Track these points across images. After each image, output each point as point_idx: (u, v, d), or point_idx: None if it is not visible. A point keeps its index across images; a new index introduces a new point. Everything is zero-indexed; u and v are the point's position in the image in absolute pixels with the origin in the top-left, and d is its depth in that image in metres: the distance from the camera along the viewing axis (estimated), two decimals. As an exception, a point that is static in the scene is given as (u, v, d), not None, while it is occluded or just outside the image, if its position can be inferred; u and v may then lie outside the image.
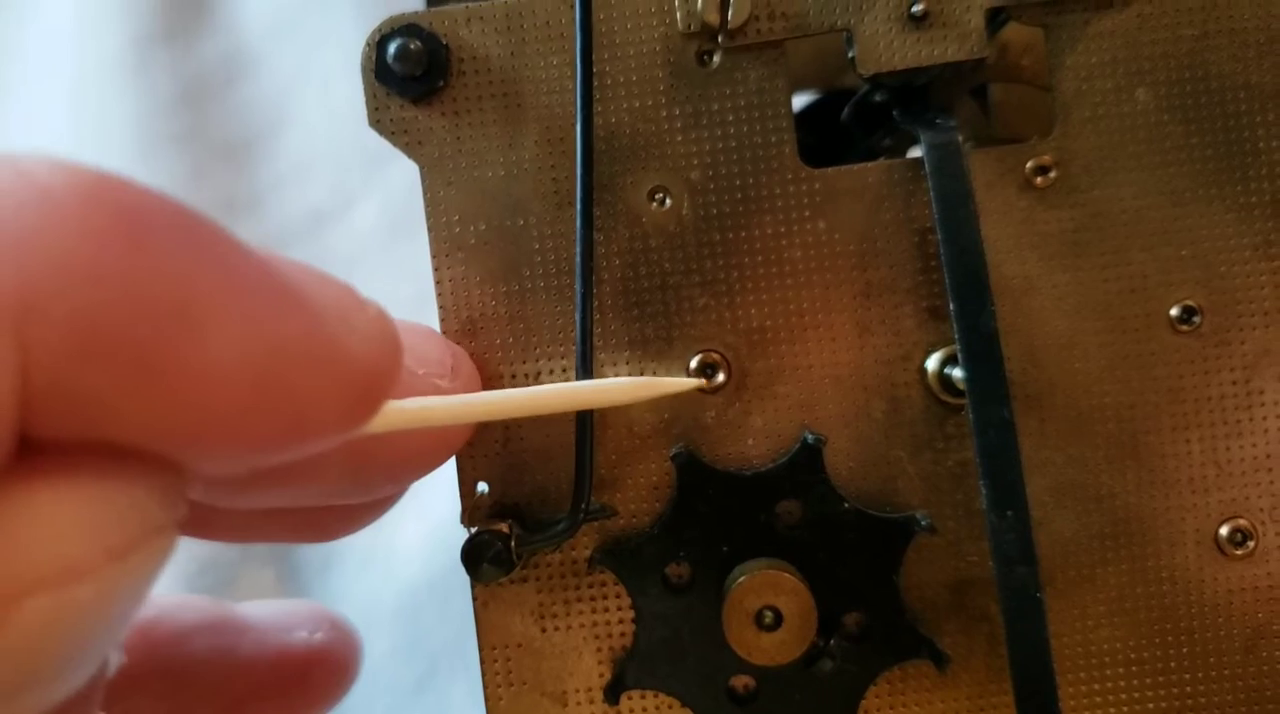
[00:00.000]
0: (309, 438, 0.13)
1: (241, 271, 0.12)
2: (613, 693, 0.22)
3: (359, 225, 0.45)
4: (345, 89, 0.46)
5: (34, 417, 0.11)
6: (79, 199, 0.11)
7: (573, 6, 0.21)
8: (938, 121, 0.21)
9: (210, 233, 0.12)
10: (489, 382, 0.22)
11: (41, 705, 0.12)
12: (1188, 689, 0.22)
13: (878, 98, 0.25)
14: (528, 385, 0.22)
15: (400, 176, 0.44)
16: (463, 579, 0.38)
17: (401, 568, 0.39)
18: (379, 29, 0.21)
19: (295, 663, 0.22)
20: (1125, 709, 0.22)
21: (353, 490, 0.18)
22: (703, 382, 0.21)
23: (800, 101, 0.29)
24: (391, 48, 0.21)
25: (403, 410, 0.16)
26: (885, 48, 0.21)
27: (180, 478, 0.12)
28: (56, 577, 0.11)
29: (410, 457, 0.18)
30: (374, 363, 0.13)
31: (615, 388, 0.20)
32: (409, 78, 0.21)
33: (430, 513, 0.38)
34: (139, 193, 0.11)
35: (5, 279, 0.10)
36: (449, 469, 0.22)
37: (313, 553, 0.40)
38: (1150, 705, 0.22)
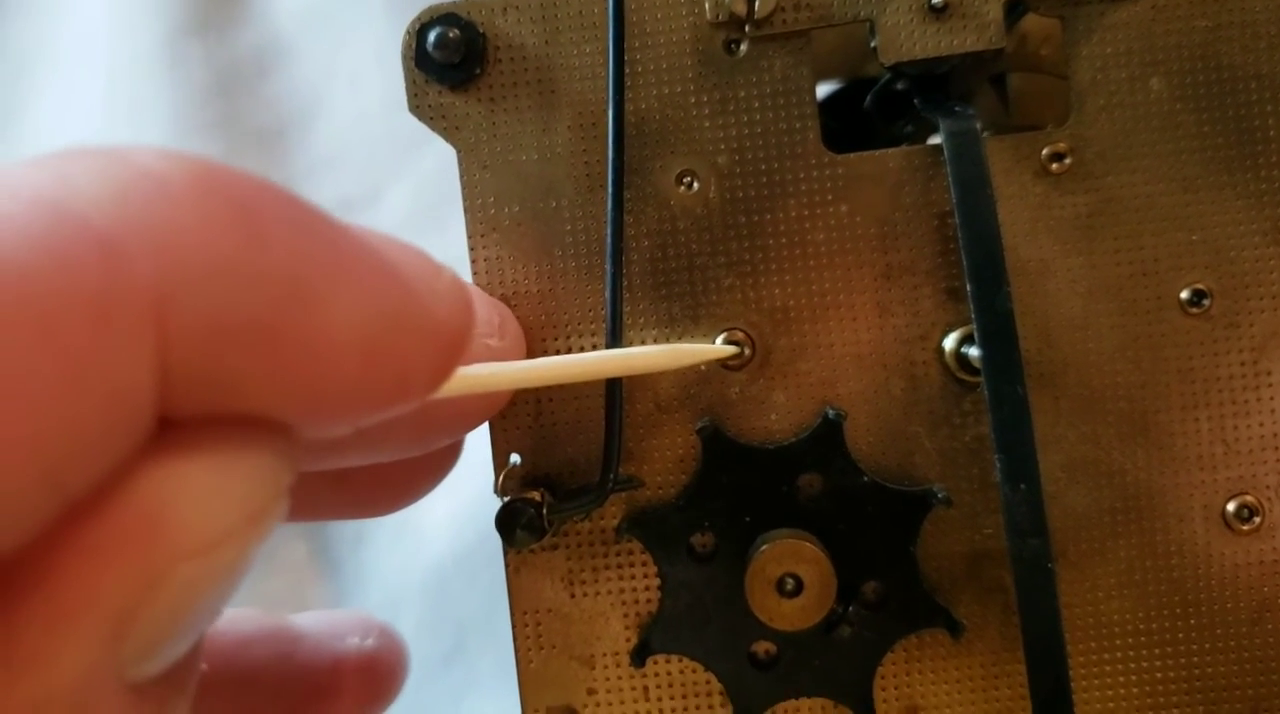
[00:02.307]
0: (408, 398, 0.14)
1: (345, 248, 0.13)
2: (639, 656, 0.23)
3: (389, 213, 0.45)
4: (376, 80, 0.47)
5: (172, 398, 0.11)
6: (195, 190, 0.11)
7: (605, -3, 0.22)
8: (957, 109, 0.22)
9: (313, 214, 0.12)
10: (526, 357, 0.22)
11: (175, 658, 0.13)
12: (1195, 660, 0.22)
13: (899, 86, 0.26)
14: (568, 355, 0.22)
15: (429, 165, 0.45)
16: (490, 555, 0.39)
17: (430, 543, 0.39)
18: (419, 18, 0.22)
19: (349, 668, 0.23)
20: (1134, 679, 0.22)
21: (415, 447, 0.19)
22: (735, 349, 0.22)
23: (825, 89, 0.30)
24: (431, 36, 0.22)
25: (468, 377, 0.17)
26: (906, 38, 0.22)
27: (295, 443, 0.13)
28: (207, 544, 0.12)
29: (464, 413, 0.20)
30: (455, 324, 0.14)
31: (654, 354, 0.20)
32: (447, 65, 0.22)
33: (459, 491, 0.39)
34: (246, 180, 0.12)
35: (144, 274, 0.11)
36: (477, 449, 0.23)
37: (345, 529, 0.41)
38: (1158, 675, 0.22)
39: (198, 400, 0.12)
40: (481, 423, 0.20)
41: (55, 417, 0.10)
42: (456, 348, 0.14)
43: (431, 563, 0.39)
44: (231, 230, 0.12)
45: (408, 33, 0.22)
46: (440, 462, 0.22)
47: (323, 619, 0.23)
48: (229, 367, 0.12)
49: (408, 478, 0.22)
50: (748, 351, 0.22)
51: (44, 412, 0.10)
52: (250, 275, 0.12)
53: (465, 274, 0.23)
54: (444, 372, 0.14)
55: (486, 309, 0.21)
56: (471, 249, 0.22)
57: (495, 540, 0.22)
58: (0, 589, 0.11)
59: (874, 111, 0.27)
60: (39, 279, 0.10)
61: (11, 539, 0.11)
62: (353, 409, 0.13)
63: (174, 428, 0.12)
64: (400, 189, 0.46)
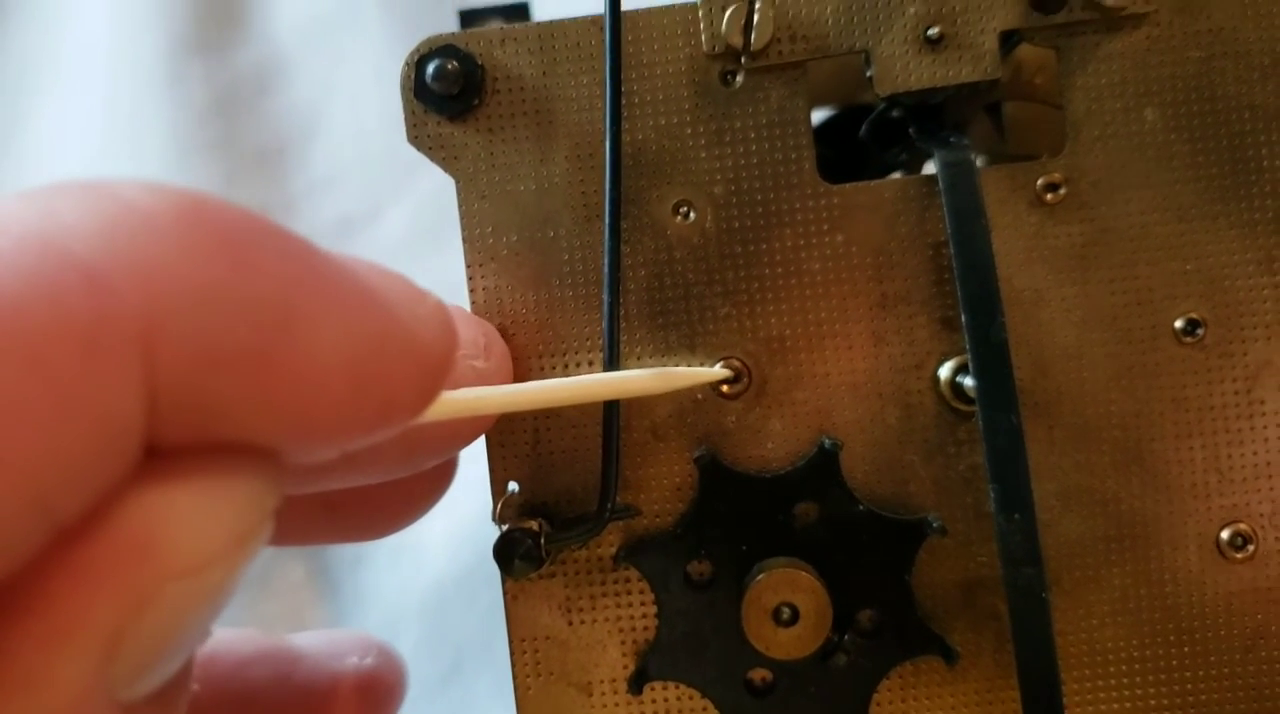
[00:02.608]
0: (393, 421, 0.14)
1: (329, 275, 0.13)
2: (636, 684, 0.23)
3: (388, 232, 0.46)
4: (375, 99, 0.47)
5: (160, 425, 0.12)
6: (181, 221, 0.12)
7: (602, 29, 0.22)
8: (951, 140, 0.22)
9: (297, 242, 0.13)
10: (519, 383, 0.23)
11: (165, 677, 0.13)
12: (1189, 688, 0.23)
13: (895, 114, 0.26)
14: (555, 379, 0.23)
15: (428, 185, 0.45)
16: (488, 576, 0.39)
17: (428, 565, 0.40)
18: (418, 49, 0.22)
19: (347, 688, 0.23)
20: (1128, 706, 0.23)
21: (403, 468, 0.19)
22: (725, 372, 0.22)
23: (820, 116, 0.30)
24: (430, 68, 0.22)
25: (453, 400, 0.17)
26: (902, 69, 0.22)
27: (280, 466, 0.13)
28: (195, 565, 0.12)
29: (451, 434, 0.20)
30: (439, 347, 0.14)
31: (643, 378, 0.20)
32: (446, 96, 0.22)
33: (456, 511, 0.39)
34: (231, 211, 0.12)
35: (130, 305, 0.11)
36: (475, 470, 0.23)
37: (343, 551, 0.41)
38: (1152, 703, 0.23)
39: (186, 426, 0.12)
40: (468, 444, 0.21)
41: (45, 444, 0.11)
42: (440, 371, 0.14)
43: (430, 584, 0.39)
44: (216, 259, 0.12)
45: (407, 64, 0.22)
46: (433, 485, 0.22)
47: (321, 639, 0.24)
48: (216, 392, 0.12)
49: (402, 501, 0.22)
50: (744, 381, 0.22)
51: (34, 439, 0.11)
52: (235, 303, 0.12)
53: (463, 300, 0.23)
54: (428, 395, 0.14)
55: (472, 331, 0.21)
56: (470, 278, 0.23)
57: (493, 563, 0.22)
58: None
59: (869, 139, 0.27)
60: (27, 311, 0.10)
61: (3, 564, 0.11)
62: (339, 433, 0.13)
63: (167, 453, 0.12)
64: (400, 207, 0.46)
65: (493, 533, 0.22)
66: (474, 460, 0.23)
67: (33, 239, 0.11)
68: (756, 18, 0.22)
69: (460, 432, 0.20)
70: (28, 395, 0.10)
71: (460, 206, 0.23)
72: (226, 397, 0.12)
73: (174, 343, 0.11)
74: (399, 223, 0.46)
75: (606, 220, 0.22)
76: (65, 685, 0.11)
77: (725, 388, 0.22)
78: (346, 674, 0.23)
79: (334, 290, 0.13)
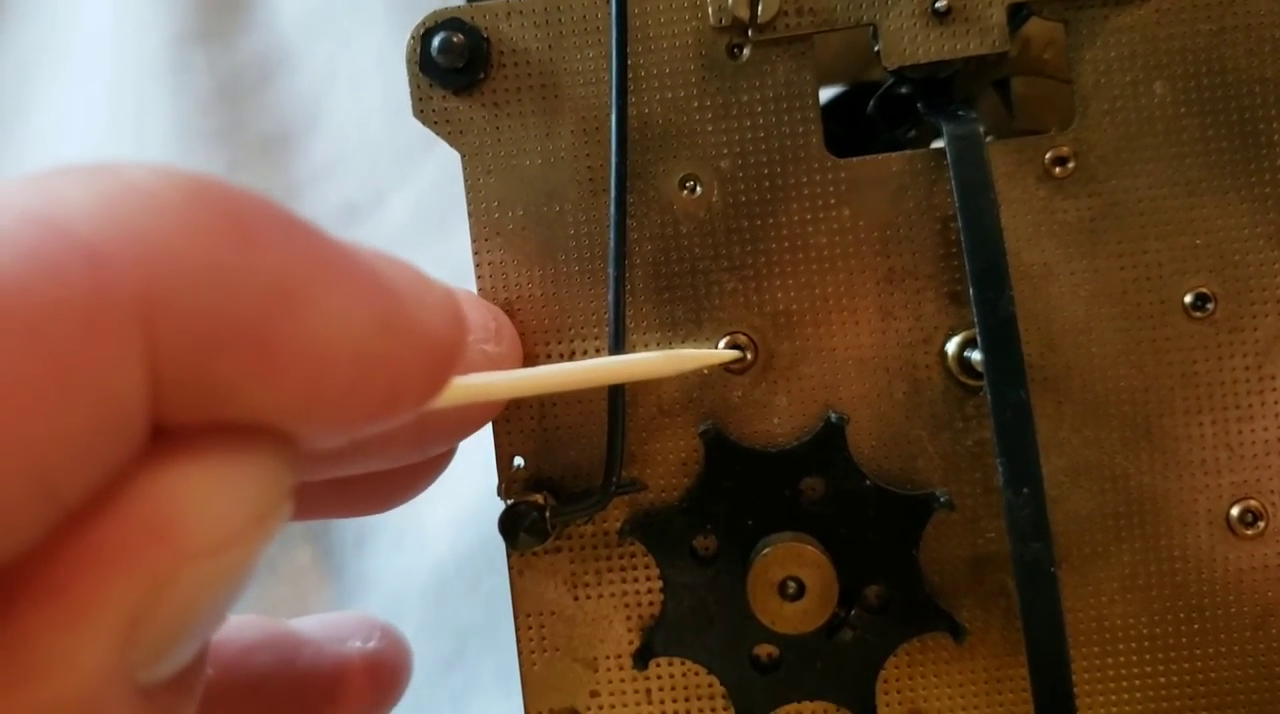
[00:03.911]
0: (400, 408, 0.14)
1: (333, 259, 0.13)
2: (641, 659, 0.23)
3: (391, 218, 0.46)
4: (377, 86, 0.47)
5: (165, 404, 0.12)
6: (185, 202, 0.12)
7: (608, 1, 0.22)
8: (960, 114, 0.22)
9: (302, 225, 0.13)
10: (525, 361, 0.22)
11: (184, 661, 0.13)
12: (1198, 664, 0.22)
13: (902, 90, 0.26)
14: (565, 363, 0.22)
15: (431, 170, 0.45)
16: (491, 560, 0.39)
17: (432, 549, 0.40)
18: (423, 23, 0.22)
19: (352, 672, 0.23)
20: (1137, 683, 0.22)
21: (415, 454, 0.19)
22: (735, 353, 0.22)
23: (828, 94, 0.30)
24: (435, 41, 0.22)
25: (464, 386, 0.17)
26: (909, 42, 0.22)
27: (295, 447, 0.13)
28: (215, 545, 0.12)
29: (462, 420, 0.20)
30: (447, 335, 0.14)
31: (653, 360, 0.20)
32: (451, 70, 0.22)
33: (460, 495, 0.39)
34: (236, 193, 0.12)
35: (130, 282, 0.11)
36: (478, 455, 0.23)
37: (347, 534, 0.41)
38: (1161, 679, 0.22)
39: (191, 406, 0.12)
40: (479, 429, 0.21)
41: (47, 422, 0.11)
42: (449, 359, 0.14)
43: (433, 568, 0.39)
44: (218, 238, 0.12)
45: (412, 37, 0.22)
46: (436, 460, 0.22)
47: (325, 622, 0.23)
48: (219, 372, 0.12)
49: (405, 475, 0.22)
50: (750, 355, 0.22)
51: (35, 418, 0.10)
52: (237, 281, 0.12)
53: (469, 277, 0.23)
54: (437, 382, 0.14)
55: (482, 315, 0.21)
56: (476, 253, 0.23)
57: (496, 545, 0.22)
58: (2, 597, 0.11)
59: (878, 116, 0.27)
60: (27, 288, 0.10)
61: (10, 547, 0.11)
62: (347, 418, 0.13)
63: (176, 434, 0.12)
64: (403, 194, 0.46)
65: (495, 517, 0.22)
66: (477, 447, 0.23)
67: (34, 218, 0.11)
68: (763, -11, 0.21)
69: (470, 416, 0.20)
70: (28, 373, 0.10)
71: (466, 181, 0.22)
72: (230, 375, 0.12)
73: (176, 320, 0.11)
74: (402, 209, 0.46)
75: (612, 194, 0.22)
76: (86, 669, 0.11)
77: (731, 363, 0.22)
78: (351, 658, 0.23)
79: (339, 272, 0.13)
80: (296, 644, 0.23)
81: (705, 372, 0.22)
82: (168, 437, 0.12)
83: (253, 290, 0.12)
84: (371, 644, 0.23)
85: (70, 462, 0.11)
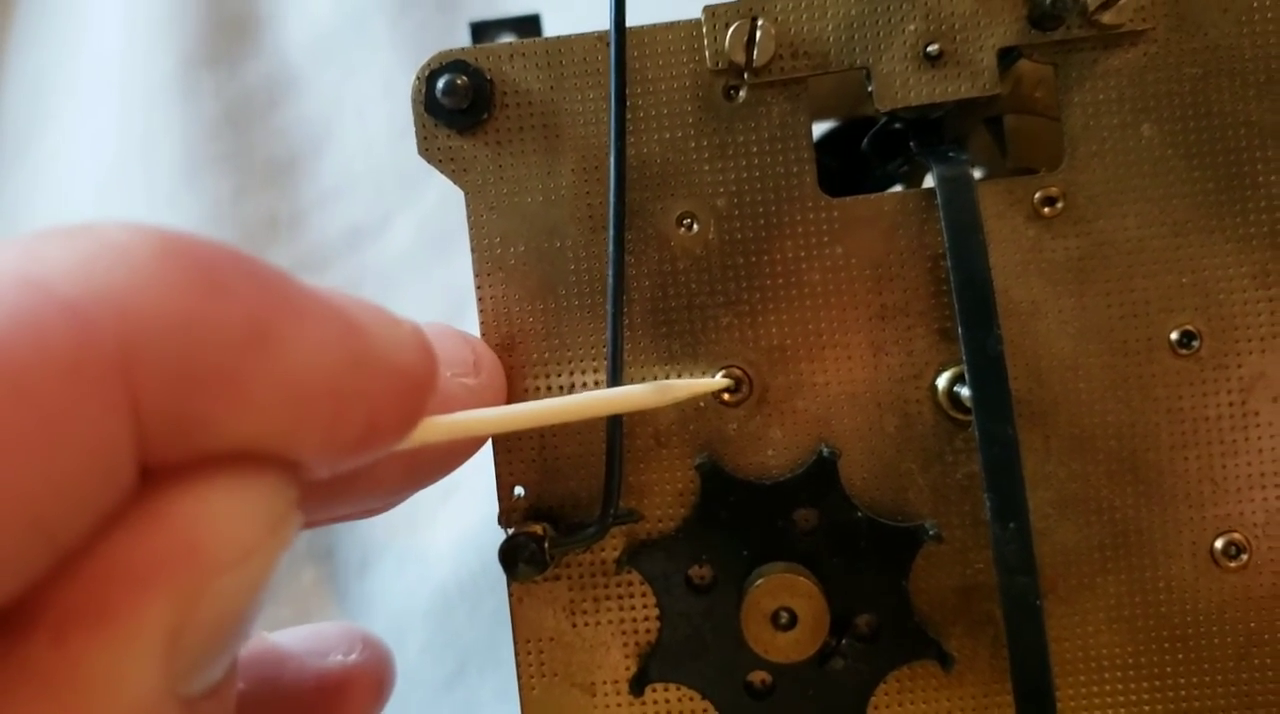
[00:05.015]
0: (381, 439, 0.14)
1: (301, 302, 0.14)
2: (638, 685, 0.23)
3: (395, 243, 0.46)
4: (382, 112, 0.47)
5: (151, 444, 0.12)
6: (157, 256, 0.12)
7: (608, 44, 0.22)
8: (950, 155, 0.23)
9: (269, 272, 0.13)
10: (525, 394, 0.23)
11: (221, 671, 0.14)
12: (1183, 694, 0.23)
13: (896, 127, 0.26)
14: (550, 398, 0.23)
15: (434, 196, 0.46)
16: (492, 581, 0.40)
17: (434, 570, 0.40)
18: (428, 64, 0.23)
19: (335, 685, 0.23)
20: (1123, 712, 0.23)
21: (408, 488, 0.20)
22: (724, 382, 0.23)
23: (823, 128, 0.30)
24: (440, 82, 0.22)
25: (441, 424, 0.17)
26: (901, 85, 0.22)
27: (292, 466, 0.14)
28: (239, 556, 0.13)
29: (450, 452, 0.20)
30: (418, 369, 0.15)
31: (640, 393, 0.21)
32: (456, 110, 0.23)
33: (462, 518, 0.40)
34: (206, 244, 0.13)
35: (109, 335, 0.12)
36: (480, 480, 0.24)
37: (350, 556, 0.41)
38: (1146, 709, 0.23)
39: (177, 444, 0.13)
40: (467, 460, 0.21)
41: (39, 473, 0.11)
42: (422, 391, 0.15)
43: (435, 589, 0.40)
44: (190, 287, 0.12)
45: (417, 78, 0.23)
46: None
47: (307, 635, 0.24)
48: (200, 410, 0.12)
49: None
50: (745, 389, 0.23)
51: (27, 469, 0.11)
52: (209, 326, 0.12)
53: (470, 309, 0.23)
54: (413, 416, 0.15)
55: (461, 349, 0.22)
56: (478, 287, 0.23)
57: (498, 568, 0.22)
58: (8, 632, 0.12)
59: (871, 152, 0.27)
60: (12, 346, 0.11)
61: (8, 590, 0.12)
62: (329, 450, 0.14)
63: (174, 465, 0.13)
64: (408, 218, 0.46)
65: (497, 539, 0.22)
66: (478, 470, 0.23)
67: (14, 278, 0.12)
68: (759, 35, 0.22)
69: (458, 449, 0.21)
70: (18, 427, 0.11)
71: (469, 218, 0.23)
72: (210, 413, 0.13)
73: (153, 367, 0.12)
74: (407, 233, 0.46)
75: (611, 232, 0.22)
76: (135, 686, 0.12)
77: (727, 396, 0.23)
78: (333, 672, 0.23)
79: (307, 313, 0.13)
80: (279, 660, 0.23)
81: (700, 404, 0.23)
82: (167, 470, 0.13)
83: (225, 334, 0.13)
84: (353, 657, 0.23)
85: (63, 507, 0.12)
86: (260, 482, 0.13)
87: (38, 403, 0.11)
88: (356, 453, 0.14)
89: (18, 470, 0.11)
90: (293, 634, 0.24)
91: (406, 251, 0.46)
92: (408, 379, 0.15)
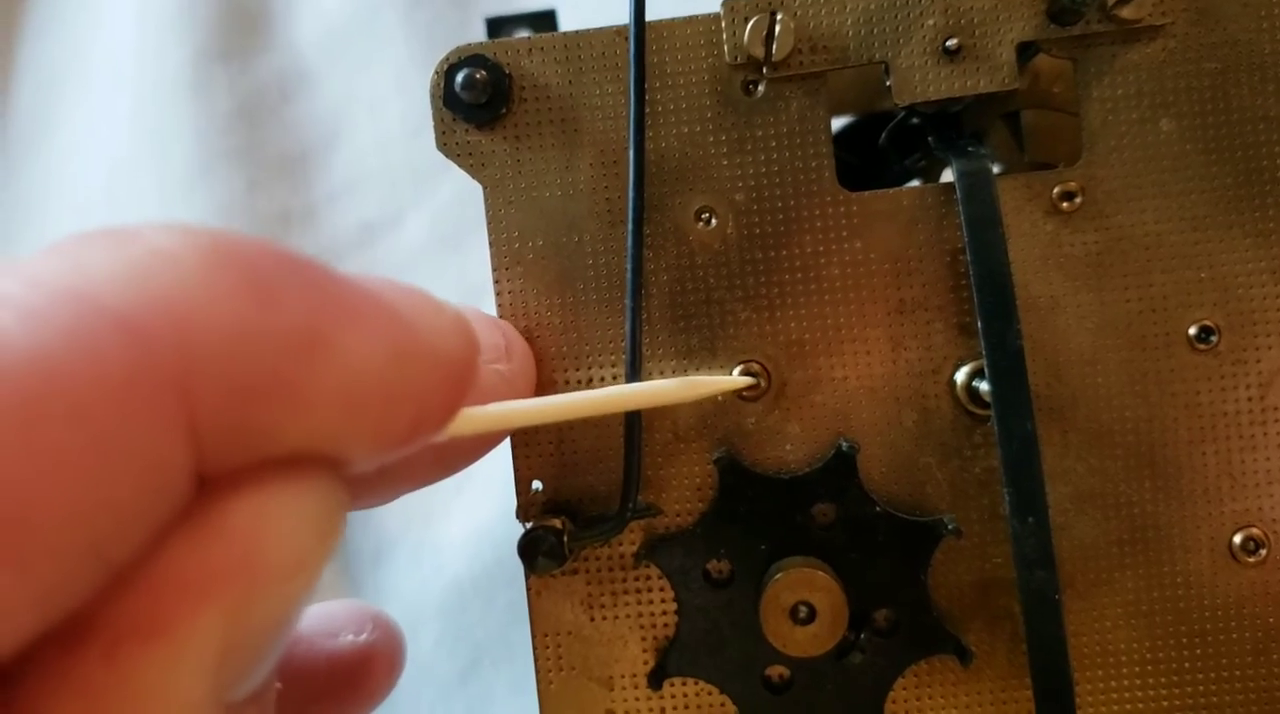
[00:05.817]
0: (427, 430, 0.14)
1: (350, 300, 0.13)
2: (656, 679, 0.23)
3: (409, 237, 0.46)
4: (396, 106, 0.47)
5: (208, 456, 0.12)
6: (206, 263, 0.12)
7: (627, 39, 0.22)
8: (969, 149, 0.23)
9: (317, 270, 0.13)
10: (543, 387, 0.23)
11: (263, 677, 0.14)
12: (1200, 689, 0.23)
13: (914, 121, 0.26)
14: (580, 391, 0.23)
15: (447, 191, 0.46)
16: (507, 575, 0.40)
17: (448, 564, 0.40)
18: (447, 58, 0.23)
19: (347, 665, 0.23)
20: (1140, 707, 0.23)
21: (437, 475, 0.20)
22: (749, 380, 0.23)
23: (841, 122, 0.30)
24: (458, 77, 0.22)
25: (477, 416, 0.17)
26: (920, 79, 0.22)
27: (342, 468, 0.14)
28: (295, 566, 0.13)
29: (479, 441, 0.21)
30: (461, 355, 0.15)
31: (667, 388, 0.21)
32: (474, 105, 0.23)
33: (476, 512, 0.40)
34: (253, 248, 0.13)
35: (164, 351, 0.12)
36: (494, 472, 0.24)
37: (364, 549, 0.41)
38: (1164, 704, 0.23)
39: (235, 453, 0.13)
40: (495, 446, 0.21)
41: (96, 495, 0.11)
42: (465, 377, 0.15)
43: (449, 583, 0.40)
44: (242, 297, 0.12)
45: (436, 73, 0.23)
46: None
47: (318, 614, 0.24)
48: (255, 420, 0.12)
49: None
50: (763, 384, 0.23)
51: (84, 493, 0.11)
52: (263, 336, 0.12)
53: (486, 294, 0.23)
54: (456, 401, 0.15)
55: (493, 335, 0.22)
56: (496, 282, 0.23)
57: (513, 561, 0.22)
58: (60, 649, 0.12)
59: (889, 146, 0.27)
60: (67, 367, 0.11)
61: (61, 608, 0.12)
62: (379, 444, 0.14)
63: (229, 473, 0.13)
64: (421, 213, 0.46)
65: (512, 533, 0.22)
66: (494, 463, 0.23)
67: (65, 293, 0.11)
68: (778, 29, 0.22)
69: (487, 438, 0.21)
70: (75, 451, 0.11)
71: (487, 212, 0.23)
72: (266, 422, 0.12)
73: (210, 381, 0.12)
74: (420, 228, 0.46)
75: (630, 226, 0.22)
76: (183, 697, 0.12)
77: (745, 391, 0.23)
78: (345, 651, 0.23)
79: (356, 313, 0.13)
80: (291, 641, 0.23)
81: (719, 399, 0.23)
82: (224, 476, 0.13)
83: (279, 342, 0.12)
84: (364, 637, 0.23)
85: (119, 528, 0.12)
86: (314, 487, 0.13)
87: (95, 424, 0.11)
88: (402, 446, 0.14)
89: (77, 494, 0.11)
90: (305, 613, 0.24)
91: (419, 247, 0.46)
92: (452, 368, 0.15)
